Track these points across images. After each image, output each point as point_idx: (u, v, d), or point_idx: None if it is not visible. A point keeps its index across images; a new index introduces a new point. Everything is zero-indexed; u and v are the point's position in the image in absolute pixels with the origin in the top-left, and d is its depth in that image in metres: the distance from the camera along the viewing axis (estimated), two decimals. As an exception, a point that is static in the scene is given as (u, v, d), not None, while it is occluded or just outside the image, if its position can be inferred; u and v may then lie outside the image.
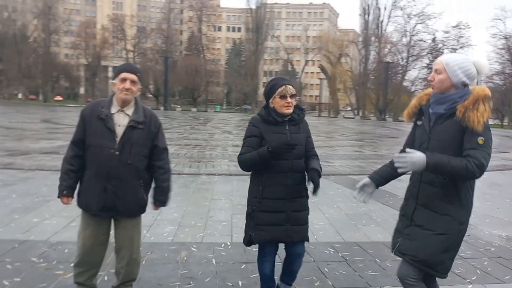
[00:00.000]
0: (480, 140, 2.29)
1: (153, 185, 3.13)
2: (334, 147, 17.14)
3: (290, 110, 2.95)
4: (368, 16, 65.25)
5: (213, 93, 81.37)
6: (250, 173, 3.10)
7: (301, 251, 3.10)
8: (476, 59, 2.46)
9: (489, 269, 4.15)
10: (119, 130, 2.86)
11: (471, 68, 2.42)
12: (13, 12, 71.27)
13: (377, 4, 65.37)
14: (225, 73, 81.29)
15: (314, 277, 3.83)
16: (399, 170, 2.40)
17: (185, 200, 6.65)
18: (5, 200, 6.16)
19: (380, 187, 2.75)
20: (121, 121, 2.89)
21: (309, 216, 3.14)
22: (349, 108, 72.93)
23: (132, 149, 2.87)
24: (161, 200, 3.13)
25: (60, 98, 73.81)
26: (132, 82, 2.87)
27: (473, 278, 3.90)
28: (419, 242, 2.46)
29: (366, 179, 2.73)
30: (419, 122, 2.59)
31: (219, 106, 74.12)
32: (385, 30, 65.21)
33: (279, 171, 2.91)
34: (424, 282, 2.56)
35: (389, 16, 64.74)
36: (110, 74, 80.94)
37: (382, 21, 64.86)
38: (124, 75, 2.87)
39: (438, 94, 2.46)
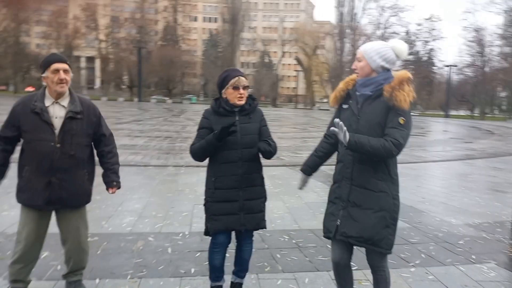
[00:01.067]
0: (401, 120, 2.46)
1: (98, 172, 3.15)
2: (305, 138, 17.38)
3: (243, 102, 3.01)
4: (343, 8, 65.85)
5: (189, 85, 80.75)
6: None
7: (248, 237, 3.19)
8: (394, 44, 2.61)
9: (433, 253, 4.36)
10: (57, 122, 2.85)
11: (388, 53, 2.57)
12: (-20, 0, 68.66)
13: (352, -4, 66.01)
14: (201, 64, 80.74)
15: (265, 263, 3.96)
16: (333, 130, 2.48)
17: (149, 192, 6.70)
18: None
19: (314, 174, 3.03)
20: (57, 113, 2.87)
21: (268, 205, 3.22)
22: (325, 100, 73.56)
23: (73, 140, 2.88)
24: (115, 181, 3.13)
25: (32, 89, 71.81)
26: (65, 71, 2.85)
27: (417, 262, 4.09)
28: (362, 222, 2.58)
29: (301, 175, 3.02)
30: (345, 106, 2.72)
31: (194, 97, 73.57)
32: (359, 22, 65.99)
33: (230, 161, 2.97)
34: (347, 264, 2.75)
35: (364, 8, 65.52)
36: (82, 64, 79.36)
37: (356, 14, 65.58)
38: (55, 65, 2.83)
39: (362, 79, 2.62)
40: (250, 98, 3.11)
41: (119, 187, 3.20)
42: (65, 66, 2.85)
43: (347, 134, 2.42)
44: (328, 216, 2.79)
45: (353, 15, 65.44)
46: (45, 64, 2.85)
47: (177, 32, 76.27)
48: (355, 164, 2.60)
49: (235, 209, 2.99)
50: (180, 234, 4.69)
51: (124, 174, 7.96)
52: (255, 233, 4.73)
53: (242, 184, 3.00)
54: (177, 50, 72.00)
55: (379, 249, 2.60)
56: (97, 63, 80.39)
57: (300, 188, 3.10)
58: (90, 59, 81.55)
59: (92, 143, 3.09)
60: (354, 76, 2.71)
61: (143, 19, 76.23)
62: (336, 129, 2.44)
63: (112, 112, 30.68)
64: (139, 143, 12.73)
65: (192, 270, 3.73)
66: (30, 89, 70.26)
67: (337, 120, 2.46)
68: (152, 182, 7.42)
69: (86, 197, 3.07)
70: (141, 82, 61.39)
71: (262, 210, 3.14)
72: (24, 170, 2.88)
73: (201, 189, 6.71)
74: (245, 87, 3.00)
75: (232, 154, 2.97)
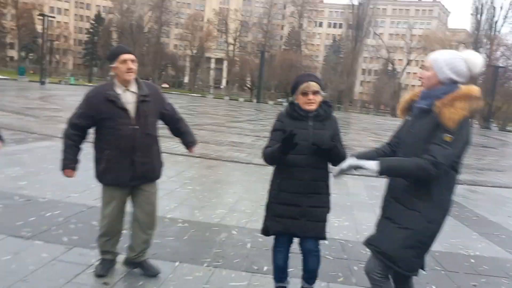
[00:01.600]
0: (447, 137, 2.22)
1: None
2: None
3: (312, 107, 2.98)
4: (481, 15, 60.12)
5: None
6: None
7: (313, 248, 3.10)
8: (468, 55, 2.35)
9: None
10: (131, 107, 3.14)
11: (459, 65, 2.33)
12: (132, 4, 77.82)
13: (492, 3, 59.95)
14: (321, 69, 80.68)
15: (340, 273, 3.87)
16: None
17: (244, 188, 6.98)
18: (90, 170, 6.96)
19: None
20: (129, 99, 3.15)
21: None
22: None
23: (147, 120, 3.19)
24: (193, 141, 3.66)
25: (167, 86, 78.94)
26: (132, 61, 3.13)
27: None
28: (384, 234, 2.46)
29: (350, 159, 2.66)
30: (408, 117, 2.56)
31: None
32: (499, 31, 59.65)
33: (297, 165, 2.95)
34: (395, 283, 2.53)
35: (505, 17, 59.12)
36: (212, 65, 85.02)
37: (496, 22, 59.42)
38: (124, 56, 3.10)
39: (425, 90, 2.42)
40: (326, 104, 3.06)
41: (195, 145, 3.69)
42: (132, 56, 3.14)
43: (370, 165, 2.33)
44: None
45: (492, 23, 59.43)
46: (114, 55, 3.13)
47: (300, 37, 77.34)
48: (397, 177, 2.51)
49: (296, 214, 2.97)
50: (263, 232, 4.79)
51: (226, 169, 8.47)
52: (336, 241, 4.68)
53: (307, 190, 2.96)
54: (298, 55, 73.06)
55: (395, 267, 2.40)
56: (225, 65, 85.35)
57: (336, 175, 2.66)
58: (219, 61, 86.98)
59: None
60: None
61: (270, 24, 78.95)
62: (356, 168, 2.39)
63: (230, 111, 32.38)
64: (246, 141, 13.26)
65: (265, 268, 3.81)
66: (165, 85, 77.44)
67: (352, 161, 2.43)
68: (249, 179, 7.70)
69: (161, 170, 3.44)
70: (261, 84, 63.52)
71: (324, 220, 3.06)
72: (105, 154, 3.16)
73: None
74: (315, 93, 2.96)
75: (301, 159, 2.94)
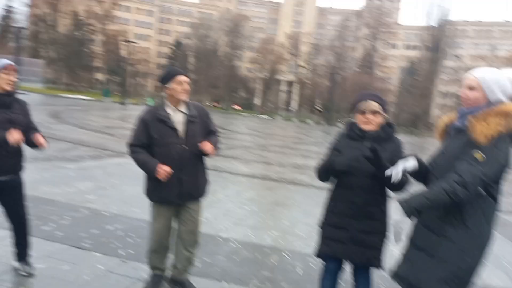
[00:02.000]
0: (478, 154, 2.01)
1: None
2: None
3: (369, 127, 2.85)
4: None
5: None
6: None
7: (359, 275, 2.95)
8: (510, 74, 2.14)
9: None
10: (180, 127, 3.25)
11: (506, 85, 2.15)
12: (208, 29, 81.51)
13: None
14: (396, 92, 78.24)
15: (393, 307, 3.63)
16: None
17: (302, 211, 6.86)
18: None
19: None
20: (179, 119, 3.26)
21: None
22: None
23: (195, 140, 3.26)
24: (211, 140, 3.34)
25: (238, 108, 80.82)
26: (188, 83, 3.27)
27: None
28: (415, 266, 2.24)
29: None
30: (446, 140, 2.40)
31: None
32: None
33: (349, 188, 2.84)
34: None
35: None
36: (282, 87, 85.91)
37: None
38: (180, 78, 3.23)
39: (463, 108, 2.24)
40: (388, 125, 2.91)
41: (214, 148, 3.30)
42: (187, 78, 3.29)
43: (401, 219, 2.14)
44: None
45: None
46: (170, 76, 3.26)
47: (373, 59, 75.89)
48: None
49: (344, 238, 2.84)
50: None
51: (286, 191, 8.40)
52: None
53: (357, 214, 2.82)
54: (371, 77, 71.56)
55: None
56: (295, 87, 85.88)
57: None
58: (290, 83, 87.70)
59: None
60: None
61: (342, 47, 78.44)
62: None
63: (298, 133, 32.35)
64: (310, 163, 13.07)
65: (312, 296, 3.69)
66: (236, 107, 79.35)
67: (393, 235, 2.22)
68: (309, 202, 7.54)
69: (205, 188, 3.49)
70: (331, 107, 62.93)
71: (377, 247, 2.86)
72: None
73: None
74: (374, 113, 2.83)
75: (353, 180, 2.82)
